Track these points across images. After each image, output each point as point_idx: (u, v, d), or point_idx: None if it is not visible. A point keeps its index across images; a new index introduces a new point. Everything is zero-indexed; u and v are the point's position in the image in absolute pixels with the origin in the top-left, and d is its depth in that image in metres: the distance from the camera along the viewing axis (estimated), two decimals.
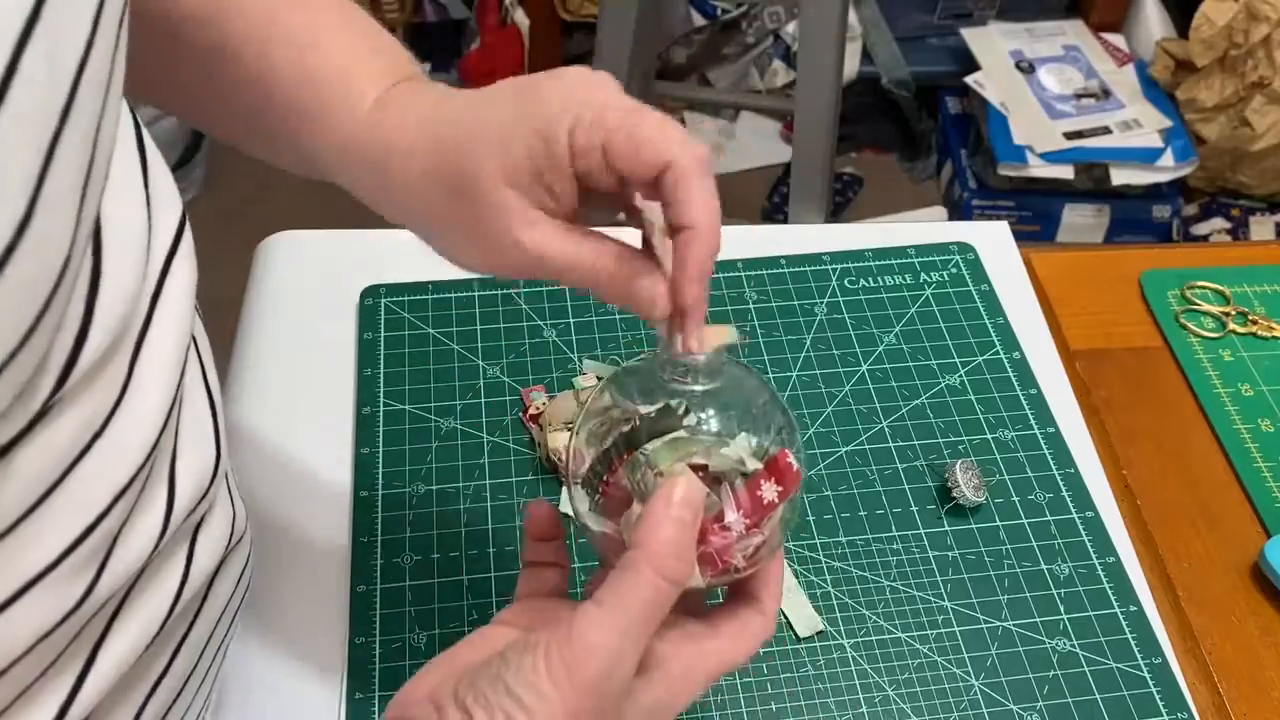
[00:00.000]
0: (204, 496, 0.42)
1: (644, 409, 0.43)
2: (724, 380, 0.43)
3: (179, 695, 0.46)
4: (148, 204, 0.38)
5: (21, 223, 0.27)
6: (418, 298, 0.76)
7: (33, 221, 0.28)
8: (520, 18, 2.08)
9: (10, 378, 0.29)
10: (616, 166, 0.41)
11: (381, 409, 0.70)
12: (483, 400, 0.71)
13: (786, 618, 0.62)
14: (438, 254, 0.48)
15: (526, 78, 0.44)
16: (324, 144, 0.47)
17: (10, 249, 0.27)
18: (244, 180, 2.07)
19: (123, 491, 0.36)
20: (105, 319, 0.34)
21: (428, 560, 0.63)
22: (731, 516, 0.42)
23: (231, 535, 0.47)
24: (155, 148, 0.40)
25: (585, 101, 0.42)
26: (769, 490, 0.42)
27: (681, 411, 0.43)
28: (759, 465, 0.43)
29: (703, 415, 0.43)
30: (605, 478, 0.43)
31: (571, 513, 0.47)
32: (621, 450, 0.43)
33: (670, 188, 0.41)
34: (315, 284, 0.77)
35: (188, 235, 0.41)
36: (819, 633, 0.61)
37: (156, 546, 0.39)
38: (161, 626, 0.42)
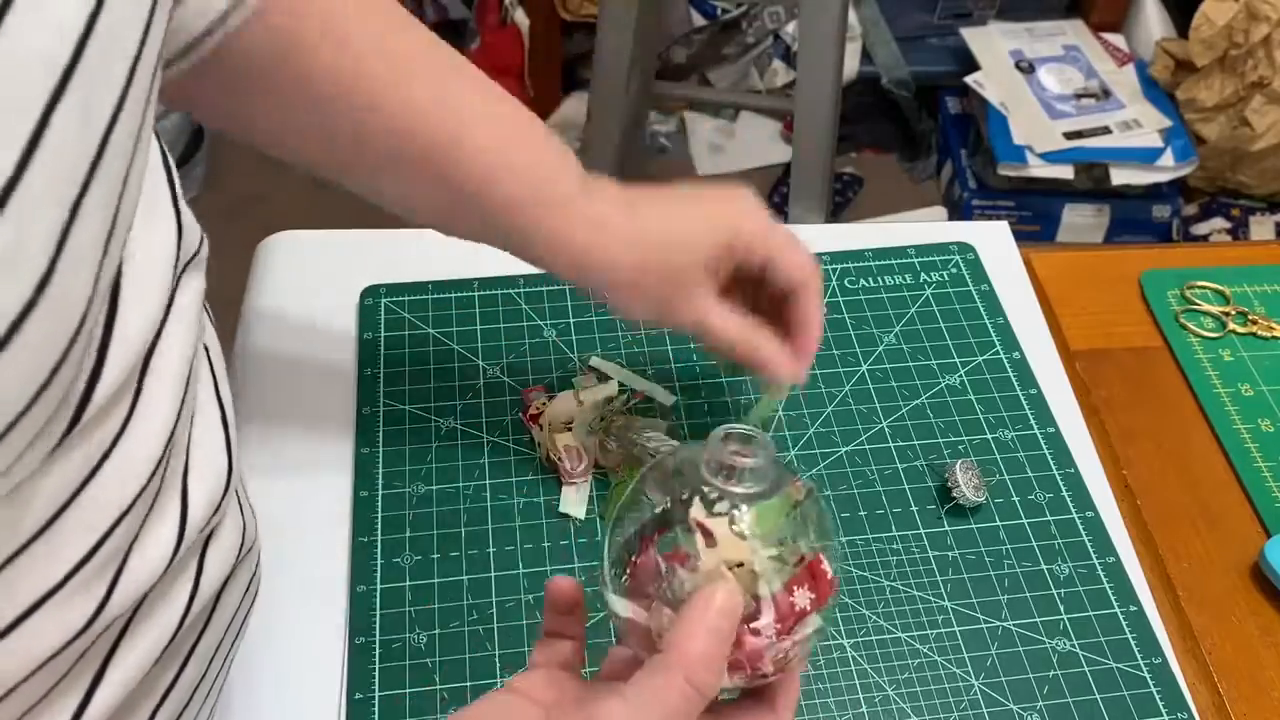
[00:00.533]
0: (217, 509, 0.42)
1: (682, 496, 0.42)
2: (769, 484, 0.42)
3: (187, 704, 0.46)
4: (178, 238, 0.38)
5: (42, 280, 0.27)
6: (418, 298, 0.76)
7: (54, 279, 0.27)
8: (520, 18, 2.08)
9: (25, 428, 0.29)
10: (770, 276, 0.59)
11: (381, 409, 0.70)
12: (483, 400, 0.71)
13: None
14: (603, 305, 0.61)
15: (709, 193, 0.59)
16: (533, 234, 0.57)
17: (30, 306, 0.27)
18: (244, 180, 2.07)
19: (129, 508, 0.36)
20: (120, 357, 0.34)
21: (428, 560, 0.63)
22: (764, 621, 0.40)
23: (242, 545, 0.47)
24: (176, 172, 0.40)
25: (751, 225, 0.58)
26: (802, 597, 0.41)
27: (718, 502, 0.41)
28: (793, 570, 0.41)
29: (739, 510, 0.41)
30: (634, 559, 0.42)
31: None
32: (652, 531, 0.42)
33: (799, 300, 0.60)
34: (315, 284, 0.77)
35: (204, 252, 0.41)
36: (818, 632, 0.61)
37: (171, 561, 0.39)
38: (171, 639, 0.42)
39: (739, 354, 0.59)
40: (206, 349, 0.44)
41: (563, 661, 0.45)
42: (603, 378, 0.72)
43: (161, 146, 0.39)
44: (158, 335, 0.37)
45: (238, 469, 0.45)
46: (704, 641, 0.39)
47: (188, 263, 0.40)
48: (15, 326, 0.26)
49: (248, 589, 0.50)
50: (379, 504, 0.66)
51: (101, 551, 0.35)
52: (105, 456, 0.35)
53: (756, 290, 0.61)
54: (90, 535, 0.35)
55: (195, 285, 0.40)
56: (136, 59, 0.30)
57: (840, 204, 2.08)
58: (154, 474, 0.37)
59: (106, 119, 0.29)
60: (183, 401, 0.39)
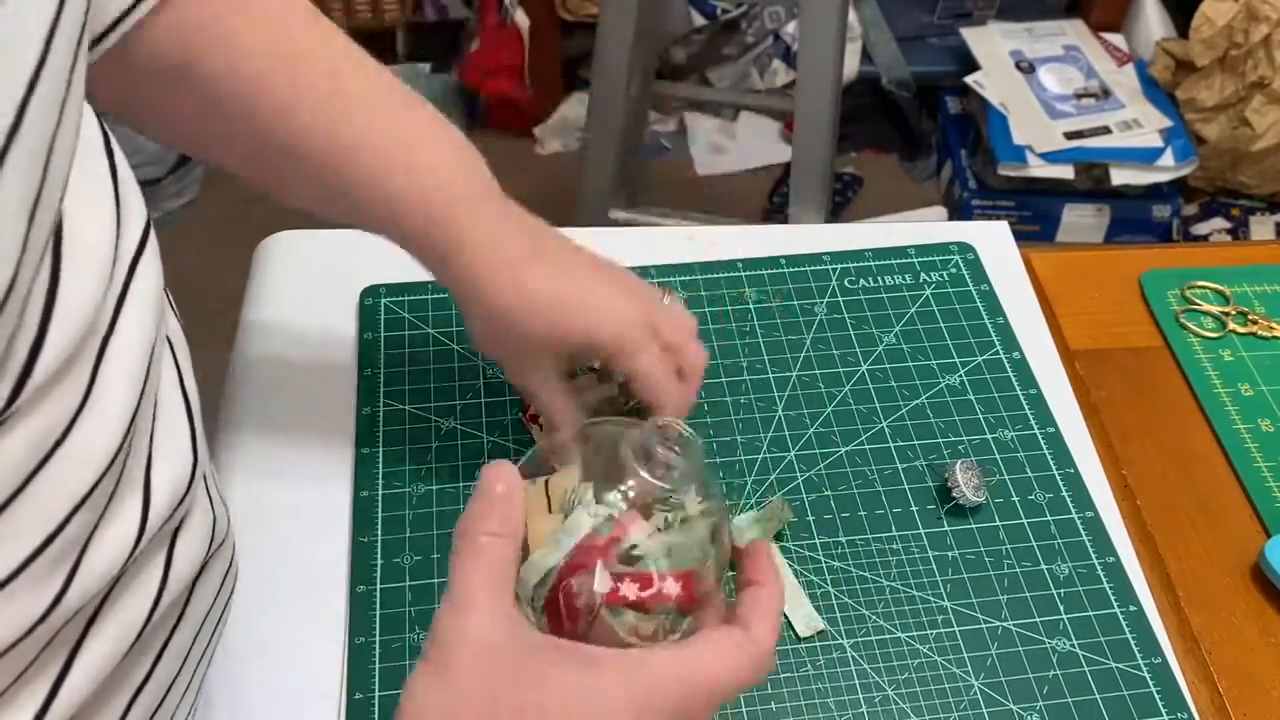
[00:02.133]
0: (181, 502, 0.42)
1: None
2: (688, 485, 0.46)
3: (162, 702, 0.46)
4: (117, 214, 0.38)
5: None
6: (418, 298, 0.76)
7: None
8: (520, 17, 2.08)
9: None
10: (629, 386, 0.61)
11: (381, 409, 0.70)
12: (483, 400, 0.71)
13: (787, 617, 0.62)
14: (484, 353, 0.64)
15: (600, 275, 0.60)
16: (422, 262, 0.59)
17: None
18: (244, 180, 2.07)
19: (84, 499, 0.36)
20: (63, 331, 0.33)
21: (428, 560, 0.63)
22: (631, 588, 0.43)
23: (212, 540, 0.47)
24: (123, 156, 0.40)
25: (619, 338, 0.58)
26: (671, 587, 0.44)
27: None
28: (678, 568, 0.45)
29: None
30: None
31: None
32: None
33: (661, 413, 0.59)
34: (315, 284, 0.77)
35: (152, 241, 0.41)
36: (819, 632, 0.61)
37: (132, 553, 0.39)
38: (140, 633, 0.41)
39: (553, 427, 0.62)
40: (170, 340, 0.44)
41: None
42: (603, 377, 0.72)
43: (103, 127, 0.40)
44: (112, 323, 0.37)
45: (204, 461, 0.45)
46: (776, 630, 0.44)
47: (139, 251, 0.39)
48: None
49: (222, 584, 0.50)
50: (379, 504, 0.66)
51: (58, 541, 0.35)
52: (58, 443, 0.35)
53: None
54: (45, 525, 0.35)
55: (151, 273, 0.40)
56: (53, 24, 0.30)
57: (840, 204, 2.08)
58: (112, 463, 0.37)
59: (22, 89, 0.29)
60: (142, 392, 0.38)
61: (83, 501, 0.36)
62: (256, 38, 0.53)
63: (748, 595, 0.46)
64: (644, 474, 0.44)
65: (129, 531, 0.39)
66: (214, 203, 2.01)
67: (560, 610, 0.42)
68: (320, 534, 0.65)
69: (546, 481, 0.45)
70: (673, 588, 0.43)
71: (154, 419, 0.41)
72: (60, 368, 0.34)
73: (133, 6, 0.49)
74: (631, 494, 0.44)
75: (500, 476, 0.44)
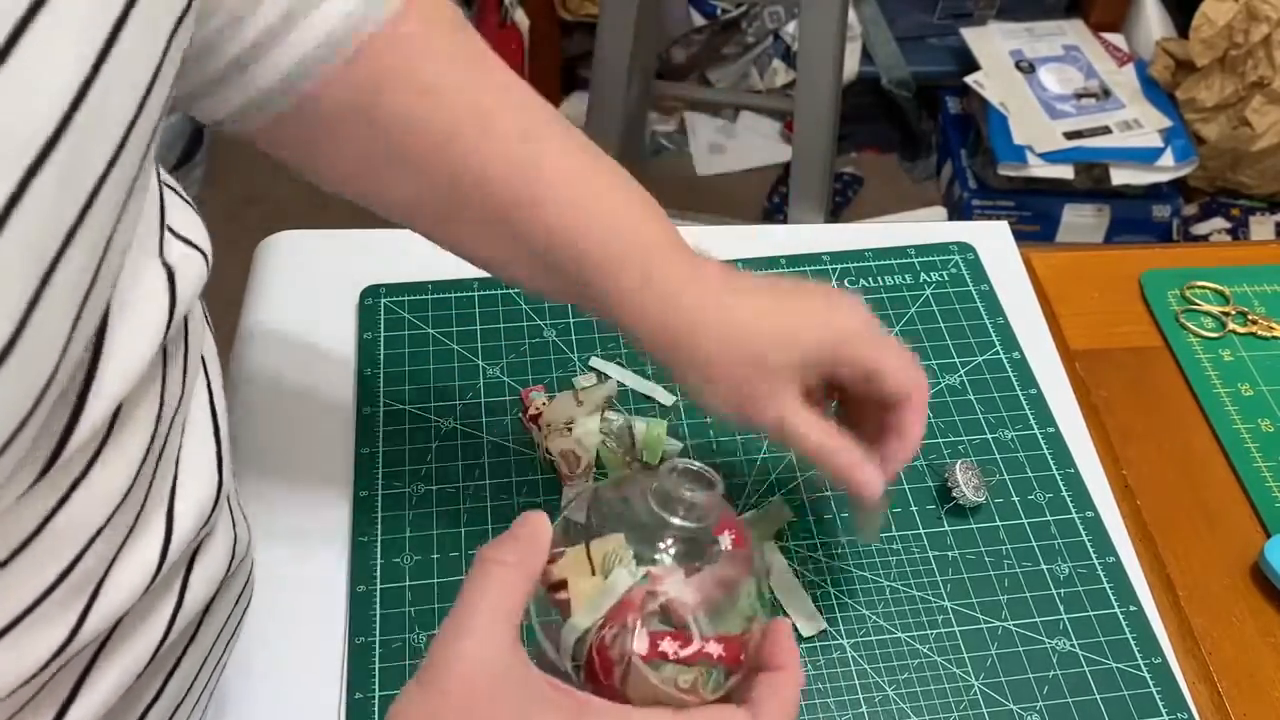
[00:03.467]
0: (205, 523, 0.42)
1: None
2: (709, 523, 0.45)
3: (173, 715, 0.46)
4: (171, 288, 0.37)
5: (7, 345, 0.26)
6: (418, 298, 0.76)
7: (18, 345, 0.27)
8: (520, 18, 2.08)
9: None
10: (873, 385, 0.54)
11: (381, 409, 0.70)
12: (483, 400, 0.71)
13: (788, 616, 0.61)
14: (681, 388, 0.59)
15: (816, 292, 0.55)
16: (618, 317, 0.54)
17: None
18: (244, 180, 2.07)
19: (100, 531, 0.35)
20: (103, 402, 0.33)
21: (428, 560, 0.63)
22: (671, 645, 0.42)
23: (232, 560, 0.46)
24: (186, 199, 0.39)
25: (858, 331, 0.54)
26: (714, 647, 0.43)
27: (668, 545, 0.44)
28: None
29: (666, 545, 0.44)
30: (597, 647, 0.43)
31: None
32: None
33: (901, 412, 0.55)
34: (315, 284, 0.77)
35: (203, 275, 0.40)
36: (819, 632, 0.61)
37: (153, 581, 0.39)
38: (151, 660, 0.41)
39: (816, 460, 0.55)
40: (203, 359, 0.44)
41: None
42: (603, 378, 0.72)
43: (160, 180, 0.39)
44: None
45: (229, 481, 0.44)
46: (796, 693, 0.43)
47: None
48: None
49: (238, 601, 0.50)
50: (379, 504, 0.66)
51: (73, 575, 0.35)
52: (75, 484, 0.34)
53: (843, 393, 0.58)
54: (61, 560, 0.34)
55: (188, 308, 0.39)
56: (135, 119, 0.29)
57: (840, 204, 2.08)
58: (127, 496, 0.36)
59: (90, 186, 0.28)
60: (156, 422, 0.38)
61: (98, 533, 0.35)
62: (451, 76, 0.52)
63: (764, 682, 0.44)
64: (670, 519, 0.44)
65: (150, 559, 0.39)
66: (214, 203, 2.02)
67: (595, 666, 0.42)
68: (320, 534, 0.65)
69: (588, 544, 0.44)
70: (714, 648, 0.43)
71: (181, 442, 0.41)
72: (92, 435, 0.33)
73: (311, 61, 0.48)
74: (667, 544, 0.44)
75: (529, 519, 0.43)
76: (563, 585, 0.43)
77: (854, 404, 0.58)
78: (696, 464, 0.45)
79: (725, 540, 0.45)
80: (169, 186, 0.40)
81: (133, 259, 0.35)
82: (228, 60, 0.46)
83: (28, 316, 0.27)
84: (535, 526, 0.43)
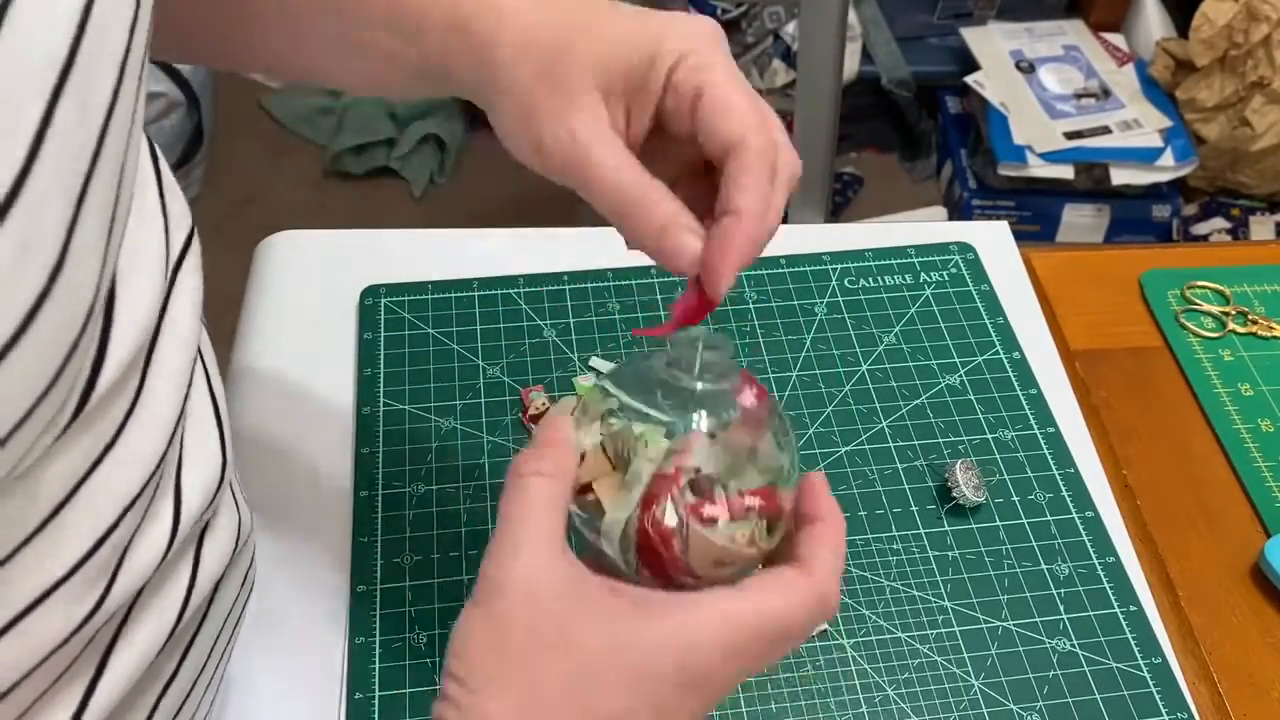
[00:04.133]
0: (210, 504, 0.42)
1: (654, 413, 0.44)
2: (728, 382, 0.45)
3: (187, 697, 0.46)
4: (165, 227, 0.38)
5: (54, 271, 0.27)
6: (418, 298, 0.76)
7: (64, 269, 0.28)
8: None
9: (39, 417, 0.29)
10: (697, 122, 0.42)
11: (381, 409, 0.70)
12: (483, 400, 0.71)
13: None
14: (491, 123, 0.46)
15: (650, 10, 0.44)
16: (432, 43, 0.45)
17: (43, 296, 0.27)
18: (244, 180, 2.07)
19: (133, 502, 0.36)
20: (121, 346, 0.34)
21: (428, 560, 0.63)
22: (718, 510, 0.43)
23: (238, 540, 0.47)
24: (166, 162, 0.40)
25: (697, 49, 0.43)
26: (751, 500, 0.43)
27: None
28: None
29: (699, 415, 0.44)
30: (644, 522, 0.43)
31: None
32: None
33: (732, 168, 0.42)
34: (315, 284, 0.77)
35: (195, 248, 0.41)
36: (819, 631, 0.61)
37: (165, 556, 0.39)
38: (171, 634, 0.42)
39: (616, 207, 0.43)
40: (199, 347, 0.45)
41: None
42: (602, 379, 0.72)
43: (146, 135, 0.39)
44: (158, 329, 0.37)
45: (231, 462, 0.45)
46: (839, 568, 0.42)
47: (181, 257, 0.40)
48: (30, 317, 0.27)
49: (244, 582, 0.50)
50: (379, 504, 0.66)
51: (107, 544, 0.35)
52: (109, 447, 0.35)
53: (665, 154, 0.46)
54: (97, 527, 0.35)
55: (193, 282, 0.40)
56: (128, 48, 0.30)
57: (840, 204, 2.08)
58: (158, 467, 0.37)
59: (104, 110, 0.29)
60: (185, 396, 0.39)
61: (132, 503, 0.36)
62: None
63: (806, 533, 0.43)
64: (692, 383, 0.44)
65: (163, 534, 0.39)
66: (214, 203, 2.01)
67: (654, 545, 0.42)
68: (320, 534, 0.65)
69: (601, 444, 0.44)
70: (752, 500, 0.43)
71: (185, 425, 0.42)
72: (119, 377, 0.34)
73: None
74: (691, 408, 0.44)
75: (557, 426, 0.43)
76: (589, 488, 0.44)
77: (683, 179, 0.46)
78: (704, 329, 0.45)
79: (748, 397, 0.45)
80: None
81: (136, 194, 0.36)
82: None
83: (69, 241, 0.28)
84: (564, 431, 0.43)
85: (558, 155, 0.43)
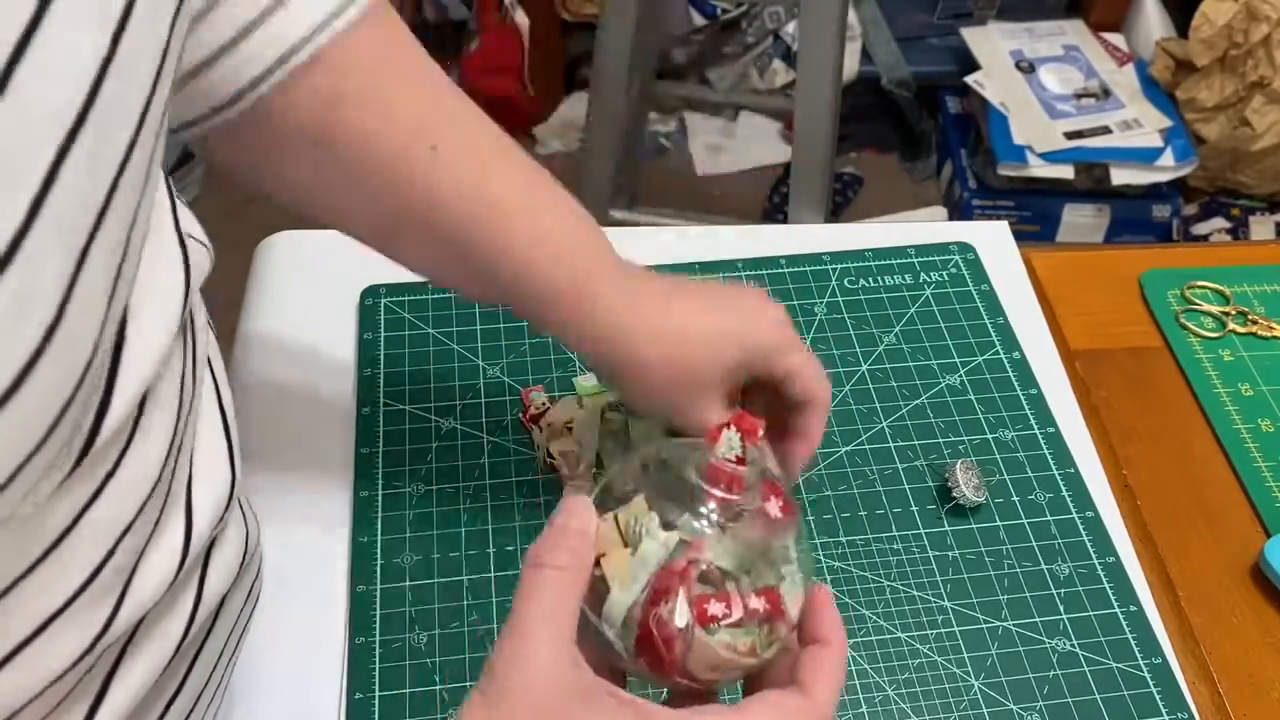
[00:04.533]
0: (221, 518, 0.42)
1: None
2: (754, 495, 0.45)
3: (194, 707, 0.46)
4: (185, 264, 0.38)
5: (50, 327, 0.27)
6: (418, 298, 0.76)
7: (62, 324, 0.27)
8: (520, 18, 2.08)
9: (35, 466, 0.29)
10: (785, 388, 0.57)
11: (381, 409, 0.70)
12: (483, 400, 0.71)
13: None
14: (617, 392, 0.62)
15: (740, 296, 0.58)
16: (553, 323, 0.56)
17: (38, 353, 0.27)
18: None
19: (131, 525, 0.36)
20: (128, 390, 0.33)
21: (428, 560, 0.63)
22: (726, 610, 0.43)
23: (245, 554, 0.47)
24: (181, 200, 0.40)
25: (778, 336, 0.57)
26: (757, 602, 0.43)
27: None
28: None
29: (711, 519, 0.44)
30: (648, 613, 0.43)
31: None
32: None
33: (806, 415, 0.58)
34: (315, 284, 0.77)
35: (204, 270, 0.41)
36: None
37: (178, 573, 0.39)
38: (176, 650, 0.42)
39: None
40: (209, 359, 0.44)
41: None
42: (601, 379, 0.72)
43: (166, 177, 0.39)
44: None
45: (240, 477, 0.45)
46: (838, 695, 0.42)
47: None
48: (25, 372, 0.27)
49: (249, 594, 0.50)
50: (379, 504, 0.66)
51: (107, 568, 0.35)
52: (108, 478, 0.35)
53: (748, 392, 0.60)
54: (96, 553, 0.35)
55: (193, 307, 0.40)
56: (148, 103, 0.30)
57: (840, 204, 2.08)
58: (155, 488, 0.37)
59: (116, 166, 0.29)
60: (178, 418, 0.38)
61: (129, 528, 0.36)
62: (405, 96, 0.52)
63: (809, 656, 0.43)
64: (716, 491, 0.43)
65: (173, 552, 0.39)
66: (214, 203, 2.01)
67: (655, 642, 0.42)
68: (320, 534, 0.65)
69: (616, 515, 0.44)
70: (758, 602, 0.43)
71: (194, 440, 0.41)
72: (123, 423, 0.34)
73: (270, 70, 0.48)
74: (709, 510, 0.43)
75: (576, 511, 0.42)
76: (597, 560, 0.43)
77: (758, 403, 0.59)
78: (738, 438, 0.45)
79: (773, 507, 0.45)
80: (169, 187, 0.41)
81: (149, 241, 0.35)
82: (194, 61, 0.46)
83: (68, 298, 0.27)
84: (584, 521, 0.42)
85: (689, 428, 0.56)
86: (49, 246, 0.26)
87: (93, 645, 0.36)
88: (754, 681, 0.45)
